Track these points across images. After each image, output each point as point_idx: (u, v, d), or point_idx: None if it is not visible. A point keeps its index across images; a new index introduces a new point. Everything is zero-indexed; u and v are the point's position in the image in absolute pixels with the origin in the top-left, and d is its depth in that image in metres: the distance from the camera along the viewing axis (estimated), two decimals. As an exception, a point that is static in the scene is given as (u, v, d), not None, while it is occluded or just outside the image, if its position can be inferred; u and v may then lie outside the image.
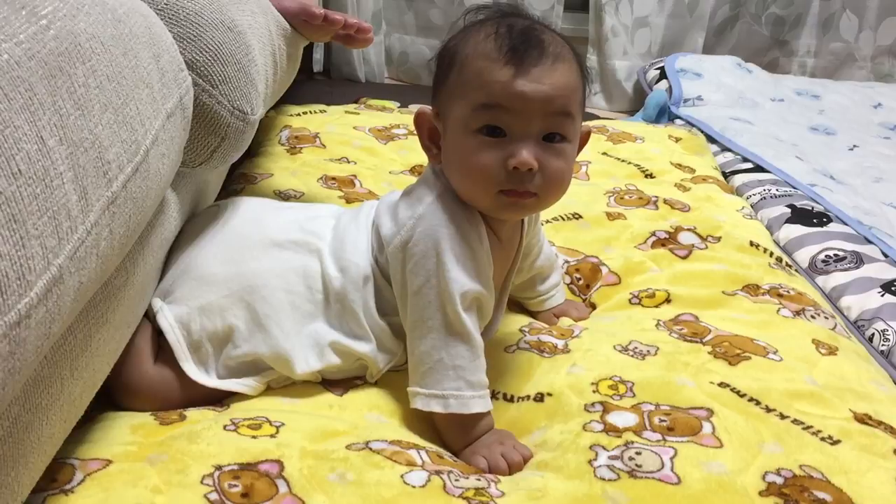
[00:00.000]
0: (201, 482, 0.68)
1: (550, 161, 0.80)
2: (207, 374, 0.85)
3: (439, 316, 0.81)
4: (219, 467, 0.70)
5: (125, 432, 0.76)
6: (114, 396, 0.83)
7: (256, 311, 0.85)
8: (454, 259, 0.82)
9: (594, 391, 0.86)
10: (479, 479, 0.74)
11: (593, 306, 1.13)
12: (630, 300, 1.10)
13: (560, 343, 0.97)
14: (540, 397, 0.87)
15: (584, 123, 0.86)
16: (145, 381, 0.84)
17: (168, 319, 0.86)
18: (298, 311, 0.87)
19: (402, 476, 0.71)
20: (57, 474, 0.68)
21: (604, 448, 0.77)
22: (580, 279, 1.17)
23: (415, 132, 1.70)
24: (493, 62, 0.78)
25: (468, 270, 0.82)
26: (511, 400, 0.88)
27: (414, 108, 1.98)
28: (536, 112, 0.78)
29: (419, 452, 0.77)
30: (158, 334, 0.86)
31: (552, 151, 0.80)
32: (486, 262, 0.85)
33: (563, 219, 1.30)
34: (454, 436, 0.82)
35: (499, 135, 0.79)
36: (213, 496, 0.66)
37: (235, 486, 0.68)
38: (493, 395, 0.88)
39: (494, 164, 0.79)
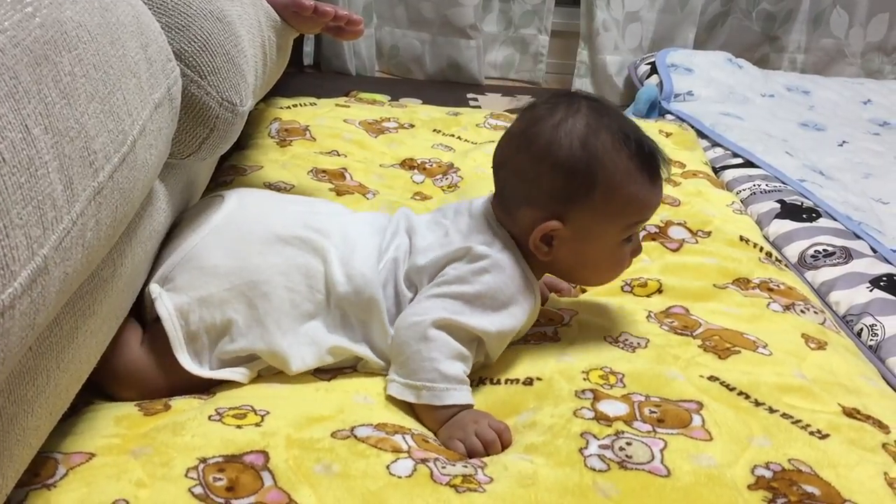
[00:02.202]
0: (186, 475, 0.67)
1: None
2: (200, 366, 0.85)
3: (442, 316, 0.83)
4: (203, 460, 0.69)
5: (109, 424, 0.75)
6: (100, 383, 0.82)
7: (257, 306, 0.85)
8: (508, 323, 0.87)
9: (584, 379, 0.86)
10: (465, 466, 0.74)
11: (584, 291, 1.13)
12: (622, 287, 1.10)
13: (549, 330, 0.97)
14: (529, 381, 0.87)
15: None
16: (132, 368, 0.83)
17: (167, 307, 0.85)
18: (298, 310, 0.86)
19: (387, 466, 0.71)
20: (39, 468, 0.67)
21: (594, 436, 0.77)
22: (570, 265, 1.17)
23: (406, 126, 1.68)
24: (641, 185, 0.87)
25: (504, 334, 0.88)
26: (497, 383, 0.88)
27: (405, 101, 1.98)
28: None
29: (404, 437, 0.76)
30: (154, 320, 0.85)
31: None
32: (522, 328, 0.92)
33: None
34: (428, 420, 0.83)
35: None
36: (198, 490, 0.66)
37: (220, 479, 0.67)
38: (480, 381, 0.88)
39: (628, 260, 0.93)
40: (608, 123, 0.87)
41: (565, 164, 0.85)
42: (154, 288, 0.86)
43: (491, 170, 0.94)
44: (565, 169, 0.86)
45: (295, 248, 0.88)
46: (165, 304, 0.85)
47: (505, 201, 0.91)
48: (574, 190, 0.86)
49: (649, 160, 0.87)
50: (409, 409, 0.84)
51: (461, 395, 0.82)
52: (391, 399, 0.84)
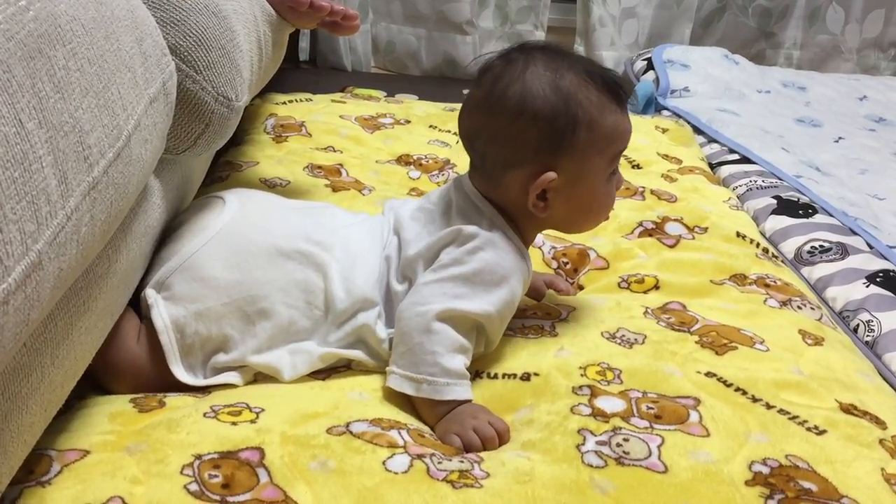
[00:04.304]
0: (181, 472, 0.67)
1: None
2: (195, 377, 0.85)
3: (444, 305, 0.82)
4: (199, 456, 0.69)
5: (103, 421, 0.75)
6: (94, 376, 0.81)
7: (253, 322, 0.85)
8: (506, 298, 0.86)
9: (582, 375, 0.86)
10: (462, 461, 0.74)
11: (581, 288, 1.13)
12: (619, 284, 1.10)
13: (546, 324, 0.96)
14: (526, 376, 0.87)
15: None
16: (128, 363, 0.83)
17: (163, 318, 0.84)
18: (295, 326, 0.86)
19: (383, 462, 0.71)
20: (34, 466, 0.66)
21: (592, 433, 0.77)
22: (567, 263, 1.17)
23: (402, 122, 1.66)
24: (614, 113, 0.88)
25: (504, 312, 0.87)
26: (495, 377, 0.88)
27: (401, 97, 1.97)
28: None
29: (400, 433, 0.76)
30: (149, 320, 0.85)
31: None
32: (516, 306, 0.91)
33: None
34: (426, 414, 0.83)
35: None
36: (193, 487, 0.66)
37: (216, 476, 0.67)
38: (477, 375, 0.88)
39: (614, 196, 0.94)
40: (568, 63, 0.87)
41: (544, 111, 0.85)
42: (150, 293, 0.85)
43: None
44: (545, 116, 0.85)
45: (295, 263, 0.88)
46: (161, 314, 0.84)
47: (487, 171, 0.89)
48: (559, 135, 0.85)
49: (615, 89, 0.88)
50: (404, 403, 0.84)
51: (461, 390, 0.82)
52: (387, 395, 0.84)
